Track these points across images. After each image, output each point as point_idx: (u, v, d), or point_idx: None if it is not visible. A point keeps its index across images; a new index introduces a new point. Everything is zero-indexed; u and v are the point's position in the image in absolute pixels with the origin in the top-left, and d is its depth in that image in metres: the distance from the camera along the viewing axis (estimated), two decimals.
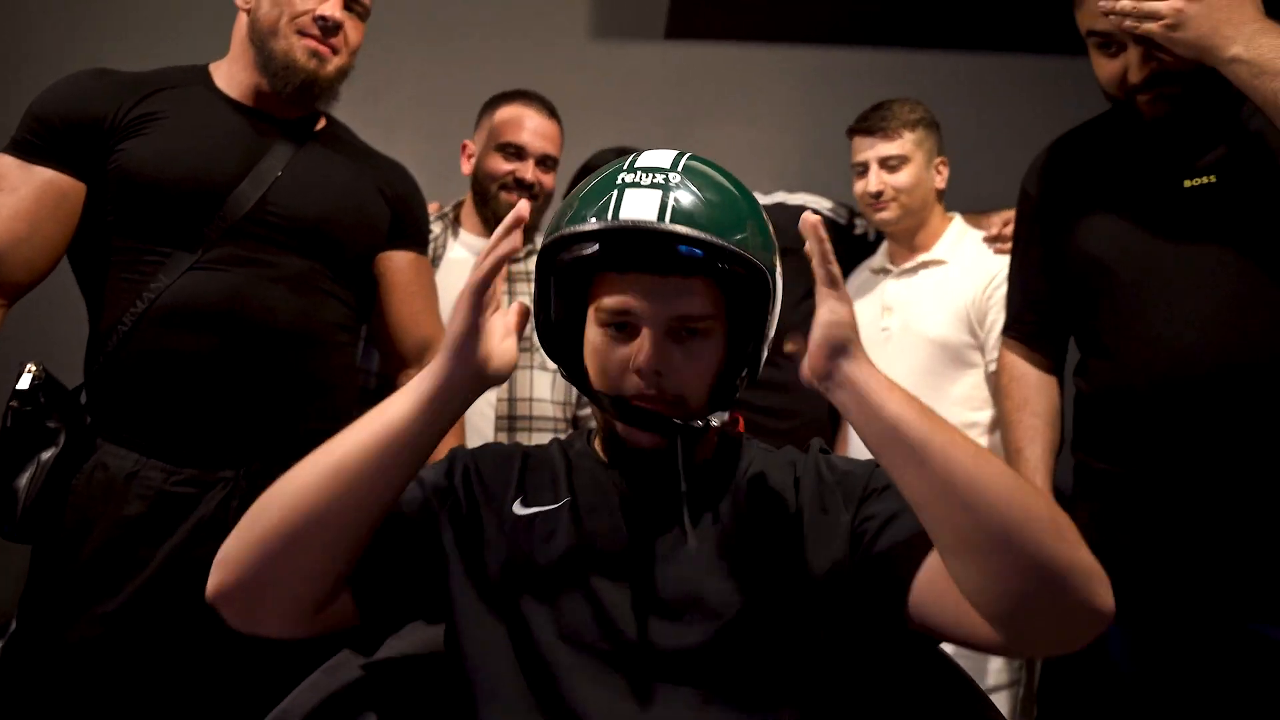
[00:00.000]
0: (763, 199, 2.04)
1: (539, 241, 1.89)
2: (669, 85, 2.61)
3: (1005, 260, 1.69)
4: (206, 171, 1.29)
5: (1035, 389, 1.47)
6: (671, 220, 0.82)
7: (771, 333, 0.92)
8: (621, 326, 0.87)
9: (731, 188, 0.89)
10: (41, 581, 1.27)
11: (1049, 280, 1.42)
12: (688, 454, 0.88)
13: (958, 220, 1.85)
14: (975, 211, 1.91)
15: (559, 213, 0.90)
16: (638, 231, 0.83)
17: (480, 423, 1.76)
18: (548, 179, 1.86)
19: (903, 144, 1.76)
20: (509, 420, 1.81)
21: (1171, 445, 1.23)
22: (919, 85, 2.61)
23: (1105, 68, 1.29)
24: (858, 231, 1.99)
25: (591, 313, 0.89)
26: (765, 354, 0.91)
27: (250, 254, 1.31)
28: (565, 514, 0.91)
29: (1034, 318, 1.48)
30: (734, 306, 0.89)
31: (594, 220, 0.84)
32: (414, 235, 1.56)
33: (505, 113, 1.85)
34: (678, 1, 2.45)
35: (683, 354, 0.87)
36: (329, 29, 1.36)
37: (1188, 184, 1.23)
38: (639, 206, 0.83)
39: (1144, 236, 1.27)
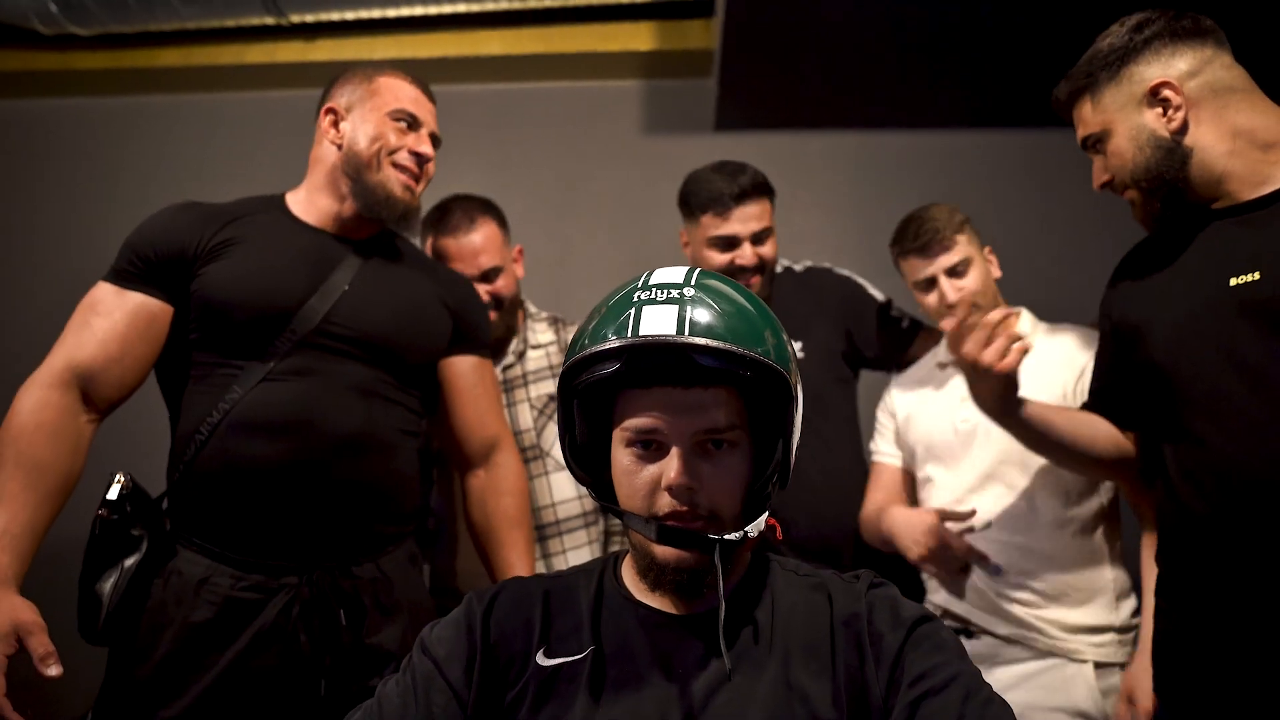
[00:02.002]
0: (810, 265, 2.08)
1: (536, 334, 1.94)
2: None
3: (1092, 352, 1.69)
4: (277, 290, 1.38)
5: (1093, 417, 1.48)
6: (690, 333, 0.84)
7: (797, 436, 0.92)
8: (648, 444, 0.87)
9: (744, 300, 0.90)
10: (116, 684, 1.32)
11: (1113, 376, 1.44)
12: (725, 572, 0.86)
13: (1026, 313, 1.81)
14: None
15: (577, 334, 0.91)
16: (658, 346, 0.84)
17: None
18: (500, 285, 1.85)
19: (960, 248, 1.73)
20: (538, 531, 1.80)
21: (1230, 558, 1.19)
22: (961, 166, 2.64)
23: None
24: (893, 313, 2.01)
25: (617, 434, 0.90)
26: (793, 458, 0.91)
27: (318, 364, 1.38)
28: (589, 665, 0.89)
29: (1090, 401, 1.49)
30: (756, 414, 0.89)
31: (614, 339, 0.85)
32: (475, 340, 1.63)
33: (436, 248, 1.85)
34: (725, 95, 2.54)
35: (712, 468, 0.87)
36: (423, 163, 1.50)
37: (1234, 281, 1.20)
38: (658, 322, 0.84)
39: (1196, 339, 1.24)
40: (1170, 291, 1.30)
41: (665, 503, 0.86)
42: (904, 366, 1.97)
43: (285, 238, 1.45)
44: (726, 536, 0.86)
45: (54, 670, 1.12)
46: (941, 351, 1.87)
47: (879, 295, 2.02)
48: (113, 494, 1.32)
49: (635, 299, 0.88)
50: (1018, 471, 1.66)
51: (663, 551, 0.88)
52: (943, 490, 1.76)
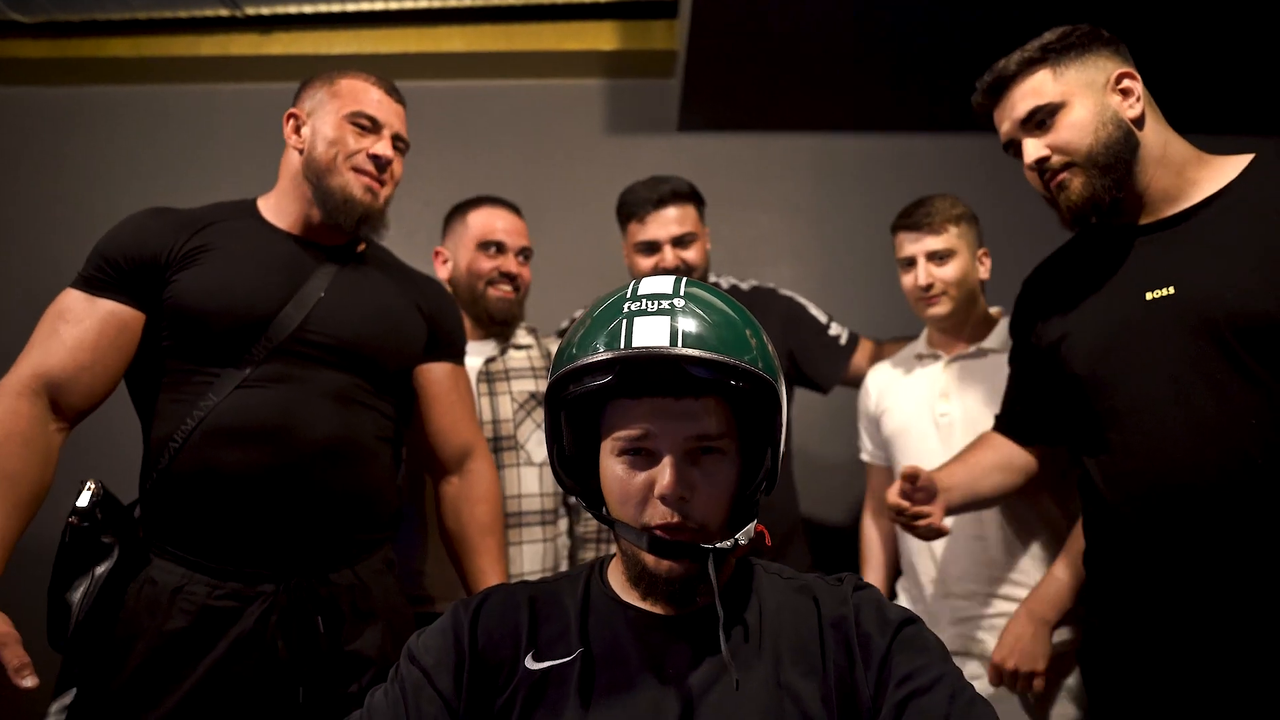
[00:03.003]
0: (756, 285, 2.15)
1: (518, 337, 1.99)
2: (682, 176, 2.72)
3: None
4: (253, 297, 1.37)
5: (988, 440, 1.55)
6: (683, 344, 0.85)
7: (783, 444, 0.94)
8: (638, 453, 0.89)
9: (729, 308, 0.92)
10: (88, 694, 1.30)
11: (1024, 395, 1.51)
12: (717, 579, 0.88)
13: (1003, 322, 1.85)
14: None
15: (564, 345, 0.92)
16: (651, 358, 0.85)
17: None
18: (526, 271, 1.99)
19: (948, 238, 1.76)
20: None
21: (1158, 561, 1.24)
22: (920, 168, 2.71)
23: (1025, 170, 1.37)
24: (832, 333, 2.10)
25: (607, 443, 0.91)
26: (779, 464, 0.93)
27: (295, 371, 1.38)
28: (578, 667, 0.90)
29: (1003, 414, 1.57)
30: (744, 422, 0.91)
31: (605, 350, 0.86)
32: (450, 348, 1.63)
33: (479, 215, 1.98)
34: (689, 95, 2.56)
35: (701, 475, 0.88)
36: (382, 165, 1.48)
37: (1149, 296, 1.25)
38: (650, 333, 0.85)
39: (1116, 352, 1.28)
40: (1088, 307, 1.35)
41: (658, 513, 0.87)
42: (847, 380, 2.06)
43: (259, 244, 1.44)
44: (719, 545, 0.88)
45: (29, 682, 1.11)
46: (920, 344, 1.92)
47: (820, 316, 2.11)
48: (83, 501, 1.30)
49: (625, 309, 0.88)
50: None
51: (655, 562, 0.89)
52: None
